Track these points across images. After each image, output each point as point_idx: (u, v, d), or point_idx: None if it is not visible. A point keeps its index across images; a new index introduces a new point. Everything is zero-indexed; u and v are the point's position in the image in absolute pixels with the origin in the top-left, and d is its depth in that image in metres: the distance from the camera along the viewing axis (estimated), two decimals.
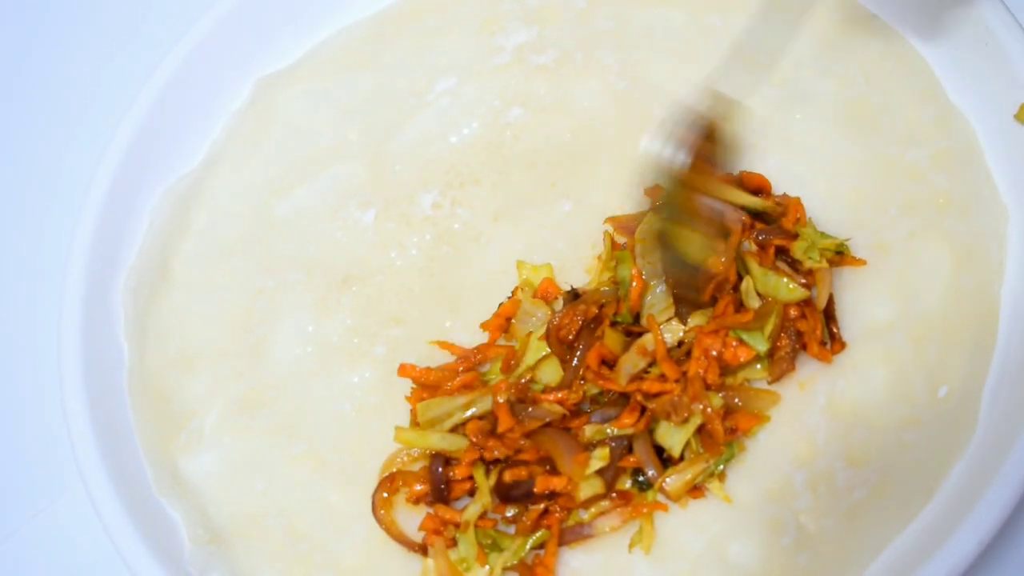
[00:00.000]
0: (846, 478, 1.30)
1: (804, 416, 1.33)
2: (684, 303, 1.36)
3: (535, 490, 1.30)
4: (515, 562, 1.30)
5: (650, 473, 1.31)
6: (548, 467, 1.31)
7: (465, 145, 1.57)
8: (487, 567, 1.30)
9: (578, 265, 1.46)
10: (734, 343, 1.32)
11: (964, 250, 1.39)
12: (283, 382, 1.47)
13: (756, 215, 1.40)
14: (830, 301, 1.37)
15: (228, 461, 1.44)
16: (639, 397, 1.32)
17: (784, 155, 1.47)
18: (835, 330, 1.36)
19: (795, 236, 1.38)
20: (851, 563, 1.28)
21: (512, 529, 1.32)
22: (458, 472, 1.34)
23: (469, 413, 1.35)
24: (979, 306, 1.36)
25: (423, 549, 1.34)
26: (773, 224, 1.39)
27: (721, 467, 1.31)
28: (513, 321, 1.41)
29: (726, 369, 1.34)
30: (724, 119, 1.35)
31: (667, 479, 1.30)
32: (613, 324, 1.37)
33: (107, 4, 1.93)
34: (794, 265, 1.37)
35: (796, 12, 1.55)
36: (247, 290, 1.53)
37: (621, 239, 1.43)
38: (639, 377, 1.33)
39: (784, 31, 1.54)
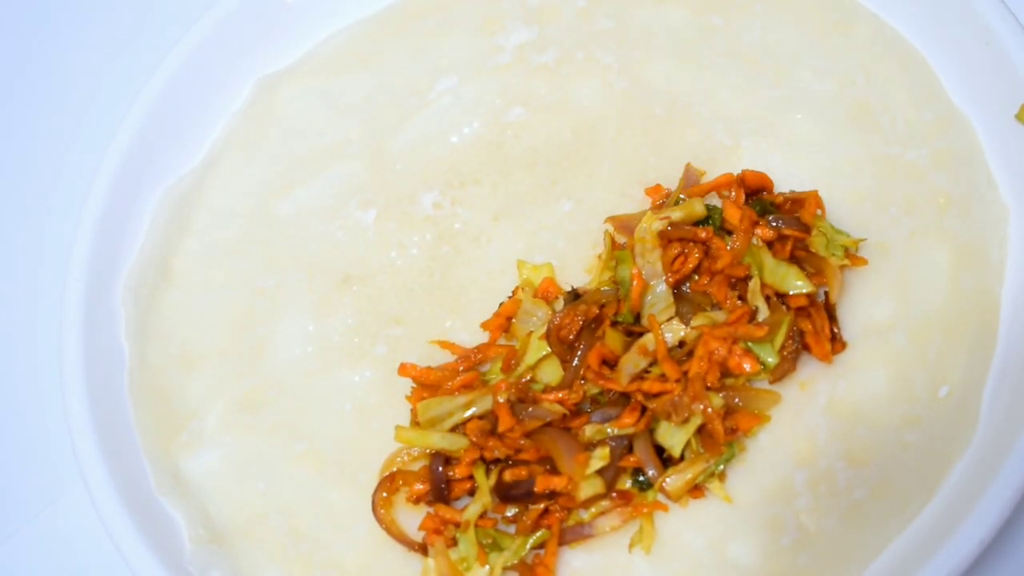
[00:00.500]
0: (847, 478, 1.30)
1: (805, 416, 1.33)
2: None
3: (535, 490, 1.30)
4: (515, 562, 1.31)
5: (650, 473, 1.31)
6: (548, 467, 1.31)
7: (466, 145, 1.56)
8: (487, 567, 1.30)
9: (578, 265, 1.46)
10: (740, 351, 1.32)
11: (964, 250, 1.39)
12: (284, 382, 1.47)
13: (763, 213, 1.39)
14: (830, 301, 1.37)
15: (229, 461, 1.44)
16: (640, 397, 1.32)
17: (784, 155, 1.47)
18: (836, 330, 1.36)
19: (809, 230, 1.37)
20: (851, 563, 1.28)
21: (512, 529, 1.32)
22: (458, 472, 1.34)
23: (469, 413, 1.35)
24: (979, 306, 1.36)
25: (423, 548, 1.34)
26: (790, 217, 1.38)
27: (721, 467, 1.31)
28: (514, 321, 1.41)
29: (727, 372, 1.33)
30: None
31: (667, 479, 1.30)
32: (614, 324, 1.37)
33: (108, 4, 1.93)
34: (802, 264, 1.37)
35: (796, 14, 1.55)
36: (247, 290, 1.53)
37: (621, 239, 1.43)
38: (640, 377, 1.33)
39: (784, 31, 1.54)
